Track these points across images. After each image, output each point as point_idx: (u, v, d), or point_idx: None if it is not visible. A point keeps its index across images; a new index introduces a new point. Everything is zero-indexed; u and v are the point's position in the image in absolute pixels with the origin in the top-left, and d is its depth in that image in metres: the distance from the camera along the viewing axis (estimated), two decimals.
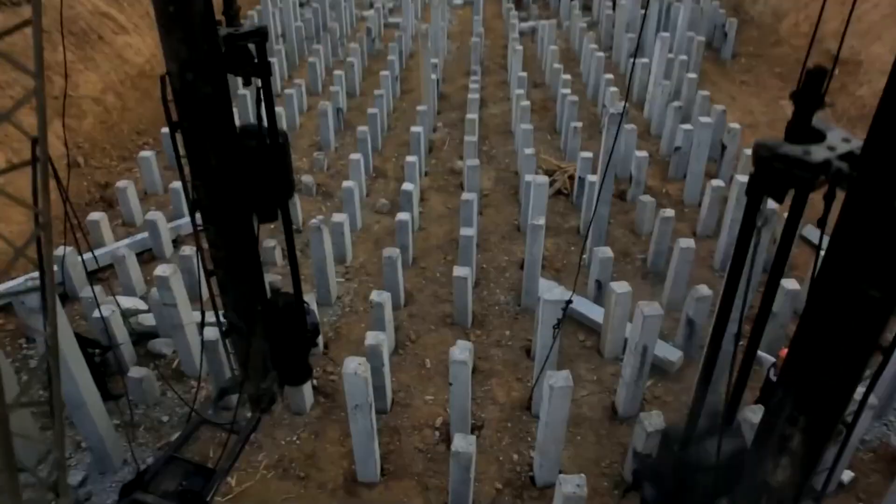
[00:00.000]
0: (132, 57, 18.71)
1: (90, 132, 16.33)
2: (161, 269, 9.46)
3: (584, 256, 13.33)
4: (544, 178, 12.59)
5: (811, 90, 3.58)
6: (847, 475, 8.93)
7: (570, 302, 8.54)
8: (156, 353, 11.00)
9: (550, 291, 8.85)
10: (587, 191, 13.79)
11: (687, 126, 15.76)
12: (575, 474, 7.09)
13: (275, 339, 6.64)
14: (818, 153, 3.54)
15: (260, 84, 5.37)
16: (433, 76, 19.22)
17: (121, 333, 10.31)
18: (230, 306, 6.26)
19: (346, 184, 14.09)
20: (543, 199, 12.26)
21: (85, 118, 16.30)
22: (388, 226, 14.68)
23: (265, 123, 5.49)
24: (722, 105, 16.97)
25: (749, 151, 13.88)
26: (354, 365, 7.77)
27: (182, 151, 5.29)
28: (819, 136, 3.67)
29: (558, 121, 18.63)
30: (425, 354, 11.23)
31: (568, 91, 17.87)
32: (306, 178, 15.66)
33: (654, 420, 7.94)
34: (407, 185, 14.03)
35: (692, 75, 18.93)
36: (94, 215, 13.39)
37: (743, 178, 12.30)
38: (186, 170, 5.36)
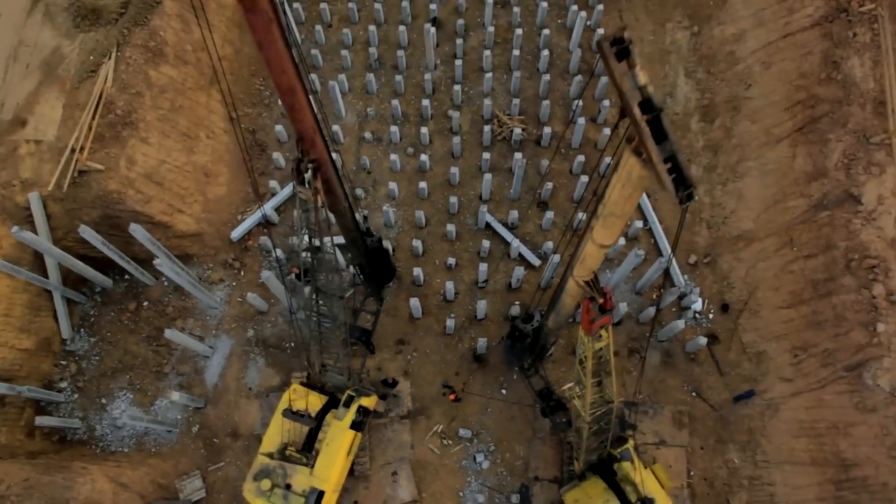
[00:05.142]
0: None
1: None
2: None
3: (511, 191, 27.62)
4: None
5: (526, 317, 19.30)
6: None
7: (486, 281, 23.96)
8: None
9: (482, 276, 23.98)
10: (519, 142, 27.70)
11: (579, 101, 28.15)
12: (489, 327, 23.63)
13: (377, 269, 22.81)
14: (526, 329, 19.46)
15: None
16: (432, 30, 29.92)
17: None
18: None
19: (392, 157, 27.54)
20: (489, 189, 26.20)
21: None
22: (415, 166, 28.39)
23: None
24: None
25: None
26: (414, 301, 23.58)
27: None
28: (531, 318, 19.50)
29: (512, 88, 29.90)
30: (436, 257, 26.69)
31: (518, 74, 29.06)
32: (367, 135, 28.68)
33: (516, 309, 24.25)
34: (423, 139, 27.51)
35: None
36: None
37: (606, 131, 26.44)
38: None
